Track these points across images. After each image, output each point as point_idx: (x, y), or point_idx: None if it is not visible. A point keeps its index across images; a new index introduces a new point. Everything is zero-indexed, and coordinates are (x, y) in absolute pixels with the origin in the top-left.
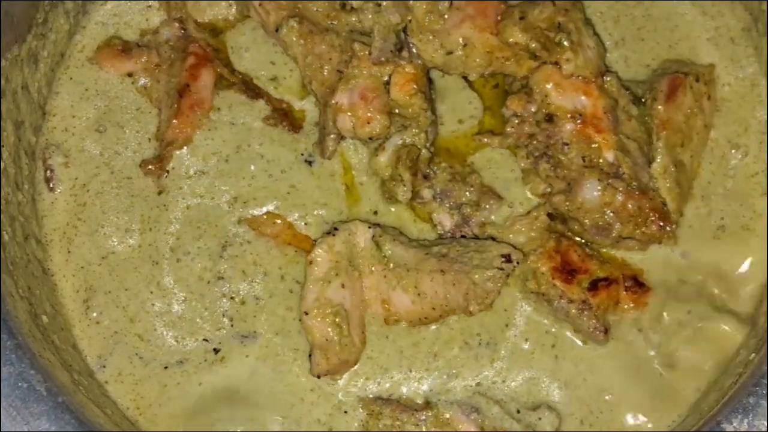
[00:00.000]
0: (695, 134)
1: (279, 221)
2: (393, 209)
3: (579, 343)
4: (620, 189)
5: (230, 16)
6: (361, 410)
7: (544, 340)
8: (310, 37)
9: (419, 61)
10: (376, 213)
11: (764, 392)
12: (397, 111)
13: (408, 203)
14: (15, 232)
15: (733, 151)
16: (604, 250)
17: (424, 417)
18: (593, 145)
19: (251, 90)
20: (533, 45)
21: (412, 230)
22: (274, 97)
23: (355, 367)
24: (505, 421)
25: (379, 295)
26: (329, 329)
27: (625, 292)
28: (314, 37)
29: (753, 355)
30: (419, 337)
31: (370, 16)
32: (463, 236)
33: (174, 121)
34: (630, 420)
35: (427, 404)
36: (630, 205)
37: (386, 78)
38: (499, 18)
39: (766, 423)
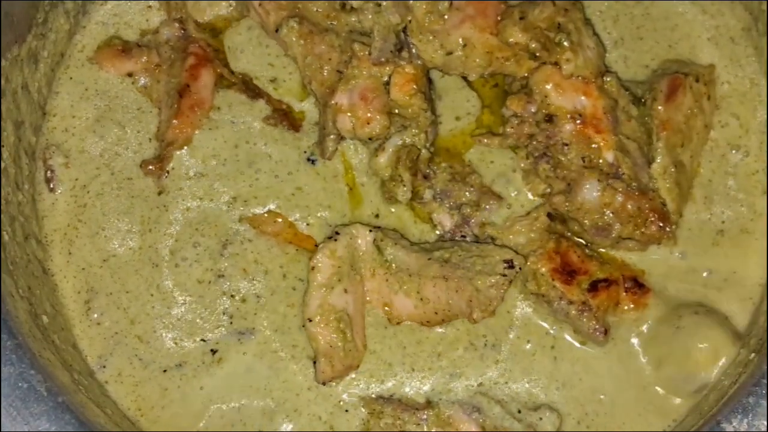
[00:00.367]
0: (695, 134)
1: (280, 220)
2: (393, 210)
3: (578, 344)
4: (620, 189)
5: (227, 11)
6: (362, 409)
7: (544, 342)
8: (310, 37)
9: (419, 62)
10: (377, 216)
11: (764, 392)
12: (396, 111)
13: (408, 203)
14: (15, 232)
15: (733, 151)
16: (604, 250)
17: (425, 416)
18: (593, 146)
19: (251, 90)
20: (533, 45)
21: (413, 231)
22: (273, 98)
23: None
24: (506, 421)
25: (381, 299)
26: (334, 336)
27: (624, 293)
28: (314, 37)
29: (753, 355)
30: (423, 337)
31: (370, 17)
32: (463, 236)
33: (174, 121)
34: (629, 420)
35: (429, 403)
36: (630, 206)
37: (386, 78)
38: (499, 18)
39: (766, 423)
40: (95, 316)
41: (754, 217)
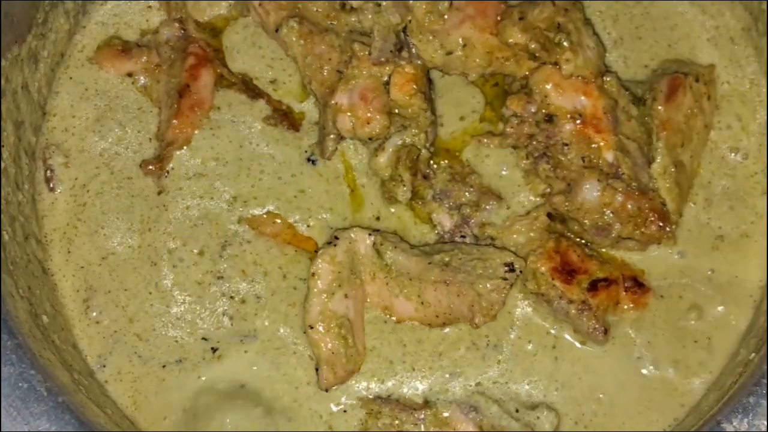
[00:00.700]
0: (695, 134)
1: (278, 221)
2: (393, 210)
3: (578, 343)
4: (620, 189)
5: (227, 11)
6: (360, 409)
7: (544, 341)
8: (310, 37)
9: (419, 62)
10: (378, 219)
11: (764, 392)
12: (396, 111)
13: (408, 204)
14: (15, 232)
15: (732, 153)
16: (604, 250)
17: (422, 416)
18: (593, 146)
19: (251, 90)
20: (533, 45)
21: (414, 233)
22: (273, 98)
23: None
24: (504, 420)
25: (382, 302)
26: (336, 342)
27: (624, 293)
28: (314, 37)
29: (753, 354)
30: (423, 336)
31: (370, 17)
32: (462, 236)
33: (174, 121)
34: (629, 420)
35: (426, 403)
36: (630, 206)
37: (386, 78)
38: (499, 18)
39: (766, 423)
40: (94, 314)
41: (754, 219)
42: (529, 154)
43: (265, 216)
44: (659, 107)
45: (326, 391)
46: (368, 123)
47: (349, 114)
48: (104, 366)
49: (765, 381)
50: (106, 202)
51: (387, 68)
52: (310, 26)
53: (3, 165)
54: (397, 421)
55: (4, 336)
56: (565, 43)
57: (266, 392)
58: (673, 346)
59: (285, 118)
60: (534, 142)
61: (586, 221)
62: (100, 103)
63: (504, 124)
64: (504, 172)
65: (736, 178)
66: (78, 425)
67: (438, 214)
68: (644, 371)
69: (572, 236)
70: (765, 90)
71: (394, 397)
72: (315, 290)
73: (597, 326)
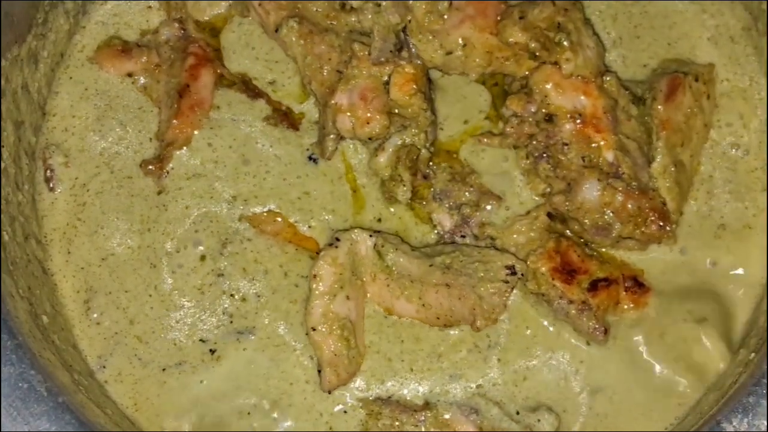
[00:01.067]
0: (695, 134)
1: (279, 219)
2: (393, 210)
3: (578, 344)
4: (620, 189)
5: (226, 10)
6: (360, 410)
7: (545, 342)
8: (310, 37)
9: (419, 61)
10: (380, 220)
11: (764, 392)
12: (396, 111)
13: (408, 204)
14: (15, 232)
15: (733, 150)
16: (604, 250)
17: (423, 417)
18: (593, 145)
19: (251, 90)
20: (533, 45)
21: (415, 233)
22: (273, 99)
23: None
24: (504, 422)
25: (383, 303)
26: (338, 344)
27: (624, 293)
28: (314, 37)
29: (753, 354)
30: (423, 335)
31: (369, 17)
32: (462, 236)
33: (174, 121)
34: (629, 420)
35: (427, 405)
36: (630, 205)
37: (386, 78)
38: (498, 18)
39: (766, 423)
40: (95, 315)
41: (756, 212)
42: (529, 154)
43: (265, 214)
44: (659, 107)
45: (329, 392)
46: (368, 123)
47: (349, 114)
48: (104, 367)
49: (765, 381)
50: (106, 202)
51: (387, 68)
52: (310, 26)
53: (3, 165)
54: (397, 422)
55: (4, 336)
56: (565, 43)
57: (266, 392)
58: (673, 345)
59: (285, 117)
60: (534, 142)
61: (586, 221)
62: (100, 103)
63: (504, 124)
64: (503, 164)
65: (736, 176)
66: (78, 425)
67: (438, 214)
68: (644, 371)
69: (572, 236)
70: (765, 89)
71: (395, 399)
72: (317, 292)
73: (597, 326)
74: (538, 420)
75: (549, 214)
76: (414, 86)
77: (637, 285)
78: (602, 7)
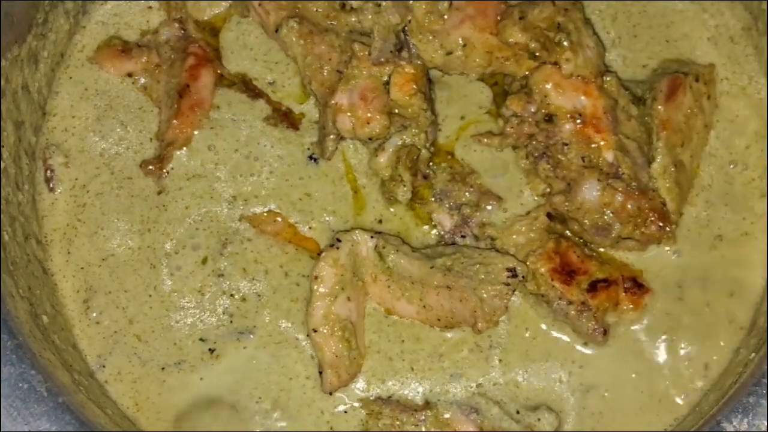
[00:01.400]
0: (695, 134)
1: (279, 219)
2: (393, 210)
3: (578, 344)
4: (620, 189)
5: (226, 10)
6: (360, 410)
7: (544, 342)
8: (310, 37)
9: (419, 62)
10: (380, 221)
11: (764, 392)
12: (396, 111)
13: (408, 204)
14: (15, 232)
15: (732, 152)
16: (604, 250)
17: (423, 417)
18: (593, 145)
19: (251, 90)
20: (533, 45)
21: (416, 234)
22: (273, 100)
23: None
24: (505, 422)
25: (384, 303)
26: (340, 345)
27: (624, 294)
28: (314, 37)
29: (753, 354)
30: (423, 334)
31: (370, 17)
32: (462, 236)
33: (174, 121)
34: (629, 420)
35: (427, 404)
36: (629, 206)
37: (386, 78)
38: (498, 18)
39: (766, 423)
40: (94, 315)
41: (754, 220)
42: (529, 154)
43: (266, 214)
44: (659, 107)
45: (330, 394)
46: (368, 123)
47: (349, 114)
48: (104, 366)
49: (765, 381)
50: (106, 203)
51: (387, 68)
52: (310, 26)
53: (3, 165)
54: (397, 422)
55: (4, 336)
56: (565, 43)
57: (267, 390)
58: (673, 345)
59: (285, 118)
60: (534, 142)
61: (586, 221)
62: (101, 103)
63: (504, 124)
64: (503, 164)
65: (735, 180)
66: (78, 425)
67: (438, 214)
68: (644, 371)
69: (572, 236)
70: (764, 89)
71: (395, 398)
72: (318, 293)
73: (596, 327)
74: (539, 419)
75: (549, 215)
76: (414, 86)
77: (637, 286)
78: (602, 6)
